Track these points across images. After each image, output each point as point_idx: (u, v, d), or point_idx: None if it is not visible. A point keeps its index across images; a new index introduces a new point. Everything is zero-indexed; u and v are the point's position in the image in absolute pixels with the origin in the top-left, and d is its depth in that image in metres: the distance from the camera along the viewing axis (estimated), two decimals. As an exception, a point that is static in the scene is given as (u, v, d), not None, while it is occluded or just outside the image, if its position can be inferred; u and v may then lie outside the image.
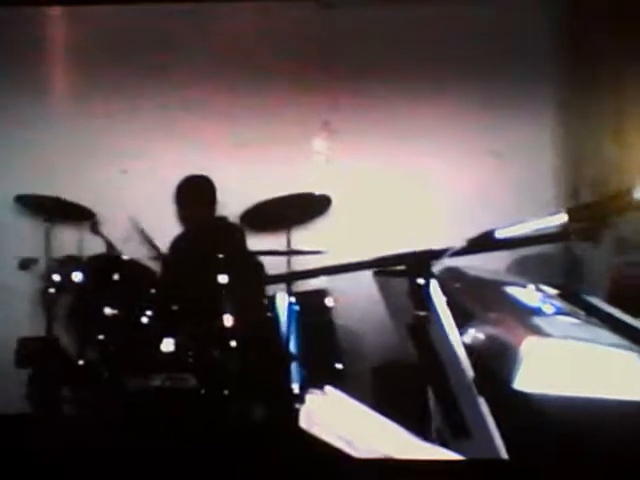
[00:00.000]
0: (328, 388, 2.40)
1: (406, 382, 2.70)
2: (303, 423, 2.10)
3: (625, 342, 2.42)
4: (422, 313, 2.30)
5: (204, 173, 6.28)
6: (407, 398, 2.72)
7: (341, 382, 5.54)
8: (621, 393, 2.30)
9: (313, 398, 2.28)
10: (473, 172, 6.64)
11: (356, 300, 4.82)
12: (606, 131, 5.81)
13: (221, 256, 5.59)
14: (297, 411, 2.27)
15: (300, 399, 2.38)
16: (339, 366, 5.71)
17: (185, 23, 6.67)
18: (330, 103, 6.70)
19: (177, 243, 6.18)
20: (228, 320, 5.46)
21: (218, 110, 6.69)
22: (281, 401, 5.29)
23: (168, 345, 5.35)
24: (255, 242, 6.23)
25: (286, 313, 5.59)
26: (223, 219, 6.27)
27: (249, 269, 5.92)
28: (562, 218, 2.14)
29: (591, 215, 2.14)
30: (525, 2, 6.66)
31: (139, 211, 6.36)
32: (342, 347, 5.83)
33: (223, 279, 5.52)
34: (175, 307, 5.50)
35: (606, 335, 2.49)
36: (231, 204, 6.32)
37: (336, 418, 2.12)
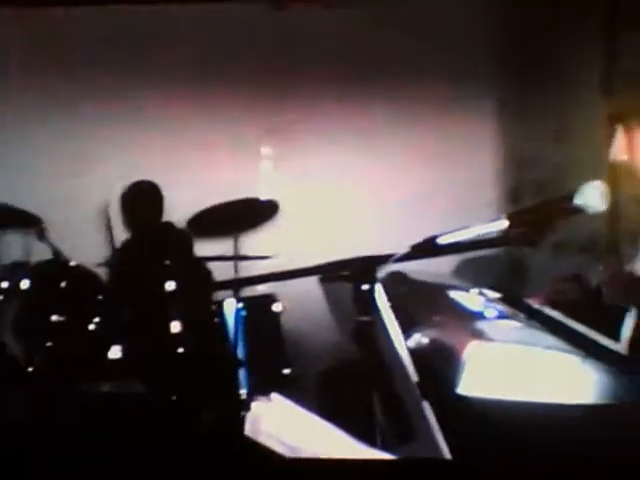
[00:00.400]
0: (274, 395, 2.40)
1: (352, 386, 2.71)
2: (248, 430, 2.10)
3: (566, 345, 2.45)
4: (367, 318, 2.31)
5: (150, 179, 6.26)
6: (353, 402, 2.73)
7: (289, 387, 5.56)
8: (563, 396, 2.33)
9: (258, 405, 2.28)
10: (416, 177, 6.69)
11: (303, 305, 4.82)
12: (547, 134, 5.87)
13: (168, 263, 5.58)
14: (243, 418, 2.27)
15: (246, 406, 2.38)
16: (287, 371, 5.72)
17: (130, 27, 6.66)
18: (276, 108, 6.71)
19: (124, 249, 6.15)
20: (176, 326, 5.45)
21: (165, 115, 6.68)
22: (229, 407, 5.28)
23: (116, 352, 5.33)
24: (202, 248, 6.22)
25: (234, 319, 5.59)
26: (170, 225, 6.25)
27: (196, 275, 5.91)
28: (503, 223, 2.16)
29: (531, 219, 2.17)
30: (467, 3, 6.72)
31: (87, 217, 6.34)
32: (290, 352, 5.84)
33: (170, 285, 5.51)
34: (123, 314, 5.48)
35: (547, 338, 2.52)
36: (178, 210, 6.30)
37: (281, 425, 2.12)
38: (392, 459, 1.85)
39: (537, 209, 2.23)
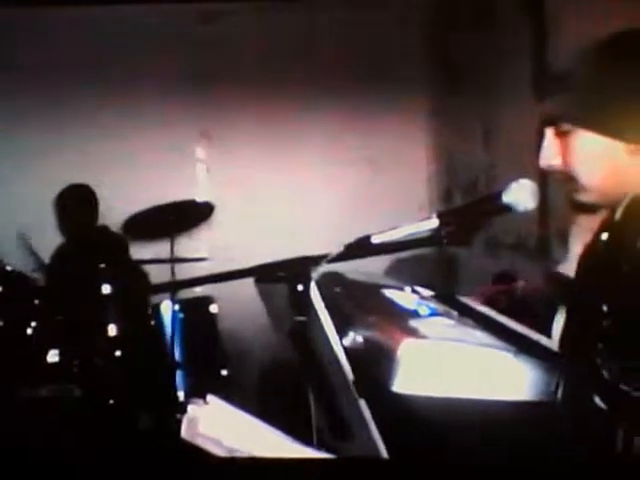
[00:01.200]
0: (210, 397, 2.40)
1: (289, 386, 2.73)
2: (185, 433, 2.10)
3: (499, 342, 2.48)
4: (302, 318, 2.31)
5: (86, 181, 6.23)
6: (291, 402, 2.75)
7: (227, 388, 5.56)
8: (497, 393, 2.36)
9: (194, 407, 2.28)
10: (349, 178, 6.74)
11: (240, 306, 4.83)
12: (476, 136, 5.94)
13: (103, 266, 5.55)
14: (179, 421, 2.27)
15: (182, 408, 2.38)
16: (225, 372, 5.72)
17: (66, 33, 6.62)
18: (208, 111, 6.71)
19: (59, 253, 6.11)
20: (112, 330, 5.43)
21: (101, 119, 6.65)
22: (167, 410, 5.27)
23: (53, 356, 5.29)
24: (138, 251, 6.20)
25: (170, 321, 5.58)
26: (105, 228, 6.22)
27: (132, 278, 5.89)
28: (433, 222, 2.18)
29: (461, 218, 2.19)
30: (396, 12, 6.78)
31: (25, 221, 6.28)
32: (227, 353, 5.85)
33: (106, 289, 5.49)
34: (60, 318, 5.44)
35: (480, 335, 2.55)
36: (113, 213, 6.28)
37: (218, 427, 2.12)
38: (327, 458, 1.86)
39: (467, 208, 2.24)
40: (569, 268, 2.21)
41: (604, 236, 2.04)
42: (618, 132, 1.96)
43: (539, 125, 2.08)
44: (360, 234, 2.31)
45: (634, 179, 1.98)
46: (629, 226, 1.94)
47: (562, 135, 2.03)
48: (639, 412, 1.81)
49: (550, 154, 2.06)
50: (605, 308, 1.88)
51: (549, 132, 2.05)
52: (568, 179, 2.04)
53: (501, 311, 2.90)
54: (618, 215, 2.01)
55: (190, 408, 2.24)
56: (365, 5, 6.73)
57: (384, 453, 2.31)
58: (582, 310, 2.02)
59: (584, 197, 2.04)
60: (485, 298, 3.40)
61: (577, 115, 1.99)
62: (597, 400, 1.89)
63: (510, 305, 3.31)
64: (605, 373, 1.86)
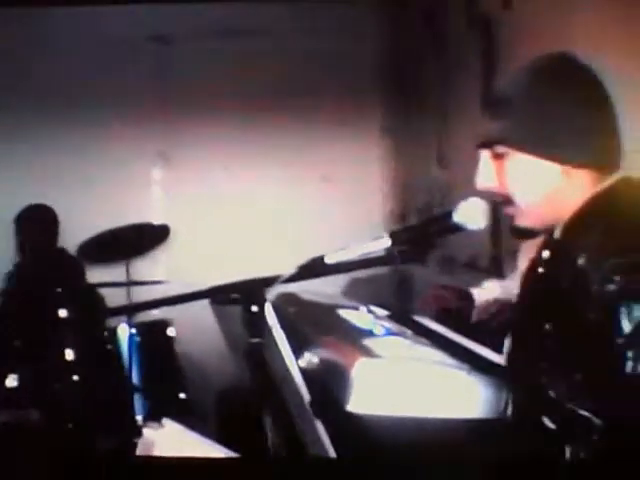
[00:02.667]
0: (166, 420, 2.40)
1: (247, 408, 2.73)
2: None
3: (453, 360, 2.50)
4: (257, 340, 2.32)
5: (45, 202, 6.20)
6: (248, 424, 2.74)
7: (185, 411, 5.54)
8: (451, 411, 2.37)
9: (150, 431, 2.28)
10: (304, 197, 6.77)
11: (198, 329, 4.82)
12: (431, 155, 5.98)
13: (60, 290, 5.52)
14: (135, 445, 2.26)
15: (138, 432, 2.37)
16: (183, 396, 5.70)
17: (18, 48, 6.60)
18: (165, 132, 6.71)
19: (17, 275, 6.07)
20: (70, 354, 5.40)
21: (55, 140, 6.62)
22: (125, 434, 5.24)
23: (12, 381, 5.26)
24: (94, 274, 6.17)
25: (128, 344, 5.55)
26: (63, 251, 6.20)
27: (89, 302, 5.86)
28: (386, 242, 2.20)
29: (413, 237, 2.21)
30: (350, 31, 6.82)
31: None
32: (185, 376, 5.82)
33: (63, 313, 5.46)
34: (17, 342, 5.40)
35: (434, 354, 2.57)
36: (70, 235, 6.24)
37: (173, 450, 2.13)
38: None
39: (418, 227, 2.26)
40: (516, 286, 2.23)
41: (545, 254, 2.06)
42: (551, 154, 1.98)
43: (476, 147, 2.09)
44: (314, 254, 2.31)
45: (569, 200, 2.00)
46: (568, 244, 1.95)
47: (498, 158, 2.04)
48: (585, 430, 1.83)
49: (486, 177, 2.07)
50: (547, 326, 1.90)
51: (485, 155, 2.07)
52: (505, 202, 2.06)
53: (454, 326, 2.92)
54: (557, 234, 2.03)
55: (146, 431, 2.24)
56: (320, 26, 6.77)
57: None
58: (526, 328, 2.04)
59: (521, 221, 2.06)
60: (435, 300, 3.44)
61: (511, 138, 2.01)
62: (544, 419, 1.90)
63: (464, 322, 3.34)
64: (551, 392, 1.88)
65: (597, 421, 1.81)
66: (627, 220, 1.90)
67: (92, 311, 5.78)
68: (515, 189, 2.03)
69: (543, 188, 2.00)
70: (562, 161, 1.98)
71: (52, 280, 5.72)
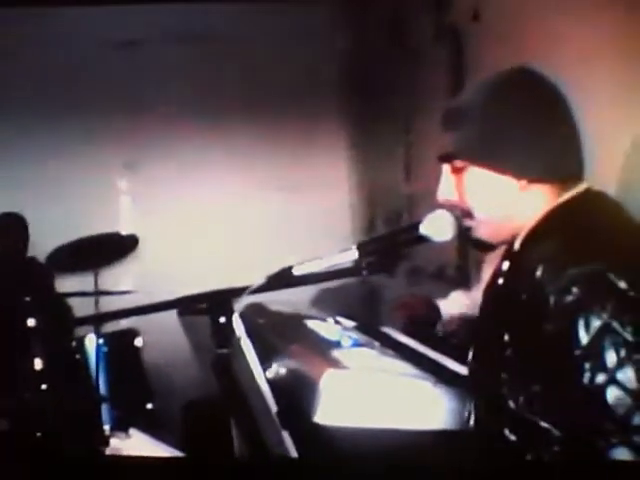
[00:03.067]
0: (132, 430, 2.40)
1: (214, 418, 2.73)
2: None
3: (418, 371, 2.51)
4: (225, 350, 2.32)
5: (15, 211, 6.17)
6: (215, 434, 2.74)
7: (152, 421, 5.53)
8: (417, 422, 2.38)
9: (117, 441, 2.28)
10: (271, 208, 6.78)
11: (165, 339, 4.81)
12: (398, 165, 6.00)
13: (29, 299, 5.50)
14: (102, 454, 2.26)
15: (105, 442, 2.37)
16: (150, 406, 5.69)
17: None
18: (132, 142, 6.70)
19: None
20: (38, 363, 5.38)
21: (23, 149, 6.60)
22: (92, 443, 5.22)
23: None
24: (62, 283, 6.14)
25: (95, 354, 5.53)
26: (33, 260, 6.17)
27: (57, 311, 5.83)
28: (353, 253, 2.20)
29: (380, 249, 2.21)
30: (317, 42, 6.84)
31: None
32: (152, 386, 5.81)
33: (31, 322, 5.44)
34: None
35: (401, 365, 2.58)
36: (39, 244, 6.22)
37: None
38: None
39: (385, 238, 2.27)
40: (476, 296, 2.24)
41: (505, 266, 2.08)
42: (504, 167, 1.99)
43: (438, 161, 2.10)
44: (282, 265, 2.32)
45: (527, 213, 2.01)
46: (527, 256, 1.96)
47: (457, 171, 2.05)
48: (545, 441, 1.84)
49: (446, 190, 2.07)
50: (507, 337, 1.91)
51: (445, 168, 2.08)
52: (465, 214, 2.07)
53: (420, 337, 2.93)
54: (517, 245, 2.04)
55: (113, 441, 2.24)
56: (285, 36, 6.80)
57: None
58: (486, 339, 2.05)
59: (478, 233, 2.07)
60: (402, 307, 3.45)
61: (463, 150, 2.02)
62: (505, 430, 1.91)
63: (430, 334, 3.35)
64: (511, 402, 1.89)
65: (556, 432, 1.82)
66: (584, 232, 1.91)
67: (60, 320, 5.75)
68: (473, 202, 2.04)
69: (500, 201, 2.01)
70: (515, 175, 1.99)
71: (21, 289, 5.69)
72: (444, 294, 3.68)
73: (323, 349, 2.68)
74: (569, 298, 1.79)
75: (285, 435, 2.35)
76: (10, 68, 6.60)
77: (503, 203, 2.01)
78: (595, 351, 1.75)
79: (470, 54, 4.85)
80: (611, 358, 1.74)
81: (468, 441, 2.09)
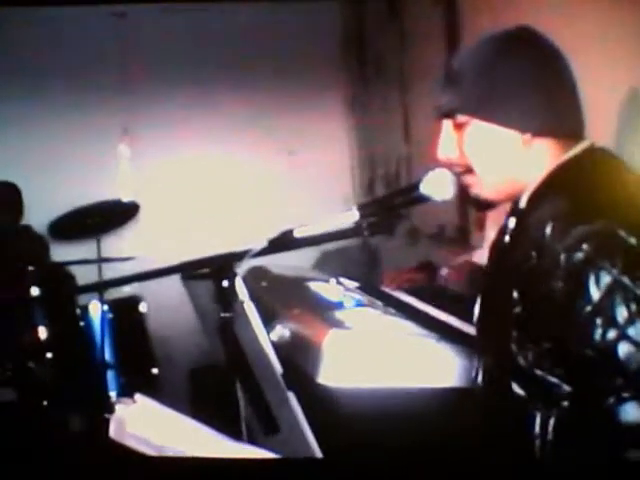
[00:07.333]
0: (138, 396, 2.40)
1: (220, 383, 2.73)
2: (113, 433, 2.09)
3: (422, 330, 2.52)
4: (228, 314, 2.32)
5: (10, 180, 6.16)
6: (222, 399, 2.76)
7: (158, 387, 5.55)
8: (422, 381, 2.39)
9: (123, 407, 2.28)
10: (271, 171, 6.78)
11: (169, 305, 4.82)
12: (396, 128, 5.99)
13: (32, 268, 5.51)
14: (107, 421, 2.26)
15: (110, 408, 2.37)
16: (155, 371, 5.71)
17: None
18: (131, 108, 6.69)
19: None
20: (42, 332, 5.39)
21: (25, 118, 6.59)
22: (99, 410, 5.24)
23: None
24: (65, 252, 6.14)
25: (100, 322, 5.54)
26: (27, 228, 6.17)
27: (59, 280, 5.84)
28: (354, 214, 2.20)
29: (381, 209, 2.21)
30: (314, 6, 6.82)
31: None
32: (157, 352, 5.83)
33: (35, 291, 5.44)
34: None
35: (404, 324, 2.59)
36: (38, 213, 6.22)
37: (146, 426, 2.12)
38: (260, 459, 1.86)
39: (386, 199, 2.26)
40: (484, 256, 2.24)
41: (511, 223, 2.07)
42: (511, 121, 1.98)
43: (437, 118, 2.09)
44: (284, 227, 2.31)
45: (528, 171, 2.00)
46: (535, 213, 1.95)
47: (459, 127, 2.03)
48: (554, 397, 1.84)
49: (447, 147, 2.05)
50: (515, 294, 1.90)
51: (446, 124, 2.06)
52: (465, 172, 2.05)
53: (423, 296, 2.93)
54: (523, 203, 2.03)
55: (118, 408, 2.23)
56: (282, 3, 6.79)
57: (314, 446, 2.33)
58: (494, 297, 2.04)
59: (480, 191, 2.05)
60: (396, 285, 3.44)
61: (471, 106, 2.00)
62: (514, 386, 1.91)
63: (433, 293, 3.35)
64: (520, 359, 1.89)
65: (566, 387, 1.83)
66: (593, 189, 1.90)
67: (63, 289, 5.76)
68: (475, 158, 2.02)
69: (503, 157, 2.00)
70: (520, 128, 1.98)
71: (21, 258, 5.70)
72: (444, 254, 3.68)
73: (326, 310, 2.68)
74: (579, 255, 1.78)
75: (290, 396, 2.36)
76: (4, 37, 6.58)
77: (506, 159, 2.00)
78: (606, 307, 1.75)
79: (466, 16, 4.84)
80: (622, 314, 1.74)
81: (475, 398, 2.09)
